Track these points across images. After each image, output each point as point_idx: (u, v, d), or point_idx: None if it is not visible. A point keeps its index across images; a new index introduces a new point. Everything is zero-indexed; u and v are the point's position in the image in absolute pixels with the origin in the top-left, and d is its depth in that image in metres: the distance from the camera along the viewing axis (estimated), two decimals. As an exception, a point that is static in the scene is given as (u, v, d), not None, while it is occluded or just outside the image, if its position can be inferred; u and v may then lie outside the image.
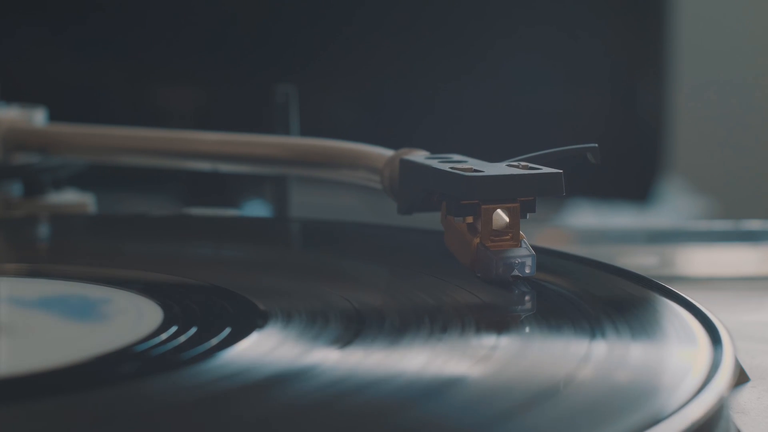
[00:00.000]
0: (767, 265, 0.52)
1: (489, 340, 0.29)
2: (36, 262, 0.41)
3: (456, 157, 0.37)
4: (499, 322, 0.32)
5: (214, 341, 0.29)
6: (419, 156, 0.38)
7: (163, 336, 0.29)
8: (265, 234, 0.47)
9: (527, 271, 0.34)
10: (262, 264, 0.40)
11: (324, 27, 0.89)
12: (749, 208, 0.97)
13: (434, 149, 0.39)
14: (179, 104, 0.90)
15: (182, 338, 0.29)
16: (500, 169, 0.35)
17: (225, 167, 0.48)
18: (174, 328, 0.30)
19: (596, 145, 0.37)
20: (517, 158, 0.36)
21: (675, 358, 0.28)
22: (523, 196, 0.34)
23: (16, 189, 0.52)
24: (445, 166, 0.35)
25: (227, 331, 0.30)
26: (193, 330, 0.30)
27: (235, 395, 0.26)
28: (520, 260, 0.34)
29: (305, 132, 0.49)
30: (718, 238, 0.54)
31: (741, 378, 0.33)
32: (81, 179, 0.54)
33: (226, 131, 0.48)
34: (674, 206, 0.91)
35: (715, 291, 0.48)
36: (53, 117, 0.53)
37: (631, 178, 0.91)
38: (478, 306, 0.33)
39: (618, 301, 0.33)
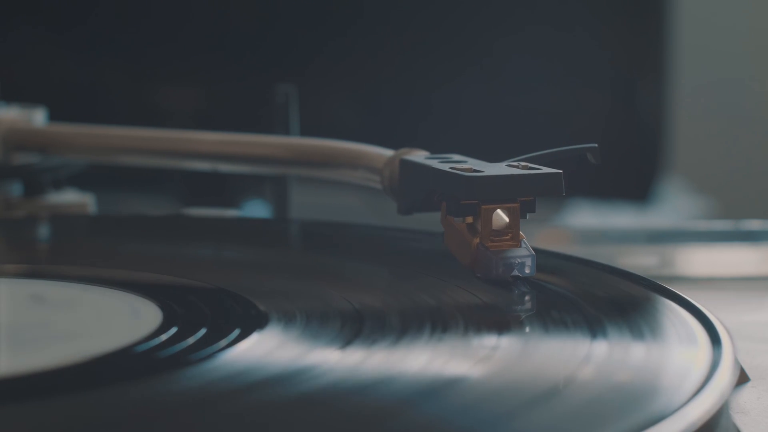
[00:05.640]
0: (767, 265, 0.52)
1: (489, 341, 0.29)
2: (36, 262, 0.41)
3: (456, 157, 0.37)
4: (499, 322, 0.32)
5: (214, 342, 0.29)
6: (419, 156, 0.38)
7: (163, 337, 0.29)
8: (265, 235, 0.47)
9: (527, 271, 0.34)
10: (262, 265, 0.40)
11: (324, 27, 0.89)
12: (749, 208, 0.97)
13: (434, 149, 0.39)
14: (179, 104, 0.90)
15: (182, 339, 0.29)
16: (500, 169, 0.35)
17: (225, 167, 0.48)
18: (173, 329, 0.30)
19: (596, 145, 0.37)
20: (517, 158, 0.36)
21: (675, 358, 0.28)
22: (523, 196, 0.34)
23: (16, 189, 0.52)
24: (445, 166, 0.35)
25: (228, 332, 0.30)
26: (192, 331, 0.30)
27: (235, 396, 0.26)
28: (519, 260, 0.34)
29: (305, 132, 0.49)
30: (718, 238, 0.54)
31: (741, 378, 0.33)
32: (81, 179, 0.54)
33: (226, 131, 0.48)
34: (674, 206, 0.91)
35: (715, 291, 0.48)
36: (53, 117, 0.53)
37: (631, 178, 0.91)
38: (479, 306, 0.33)
39: (618, 301, 0.33)
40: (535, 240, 0.36)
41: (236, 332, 0.29)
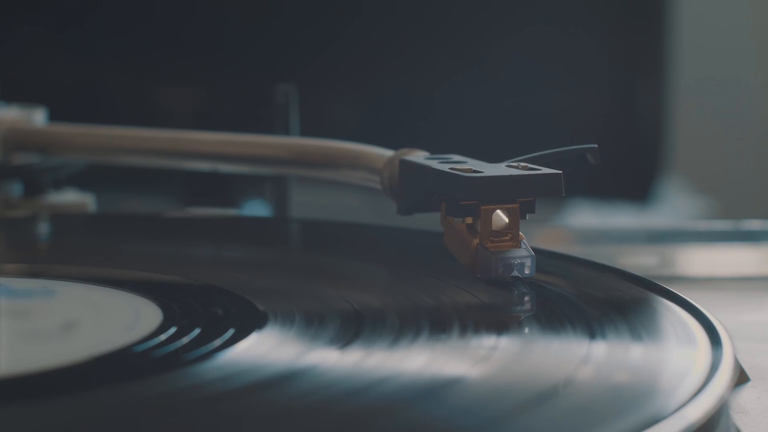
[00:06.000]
0: (767, 265, 0.52)
1: (488, 341, 0.29)
2: (36, 262, 0.41)
3: (456, 157, 0.37)
4: (498, 322, 0.32)
5: (214, 342, 0.29)
6: (419, 156, 0.38)
7: (162, 337, 0.29)
8: (265, 234, 0.47)
9: (526, 271, 0.34)
10: (262, 264, 0.40)
11: (324, 27, 0.89)
12: (749, 208, 0.97)
13: (434, 149, 0.39)
14: (179, 104, 0.90)
15: (181, 339, 0.29)
16: (500, 169, 0.35)
17: (225, 167, 0.48)
18: (173, 329, 0.30)
19: (596, 145, 0.37)
20: (517, 159, 0.36)
21: (675, 358, 0.28)
22: (523, 196, 0.34)
23: (16, 189, 0.52)
24: (445, 167, 0.35)
25: (227, 331, 0.30)
26: (192, 331, 0.30)
27: (234, 396, 0.26)
28: (519, 261, 0.34)
29: (305, 132, 0.49)
30: (718, 238, 0.54)
31: (741, 378, 0.33)
32: (81, 179, 0.54)
33: (226, 131, 0.48)
34: (674, 206, 0.91)
35: (715, 291, 0.48)
36: (53, 117, 0.53)
37: (631, 178, 0.90)
38: (478, 307, 0.33)
39: (617, 301, 0.33)
40: (535, 240, 0.36)
41: (235, 332, 0.29)
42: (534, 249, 0.34)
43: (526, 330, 0.30)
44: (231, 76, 0.89)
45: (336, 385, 0.26)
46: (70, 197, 0.53)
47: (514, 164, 0.35)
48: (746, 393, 0.32)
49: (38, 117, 0.52)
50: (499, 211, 0.34)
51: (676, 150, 0.95)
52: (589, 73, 0.89)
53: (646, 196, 0.90)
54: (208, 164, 0.48)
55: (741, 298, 0.47)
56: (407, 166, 0.38)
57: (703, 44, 1.01)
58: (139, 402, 0.25)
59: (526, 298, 0.34)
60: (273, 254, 0.43)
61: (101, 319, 0.32)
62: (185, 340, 0.29)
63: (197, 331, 0.30)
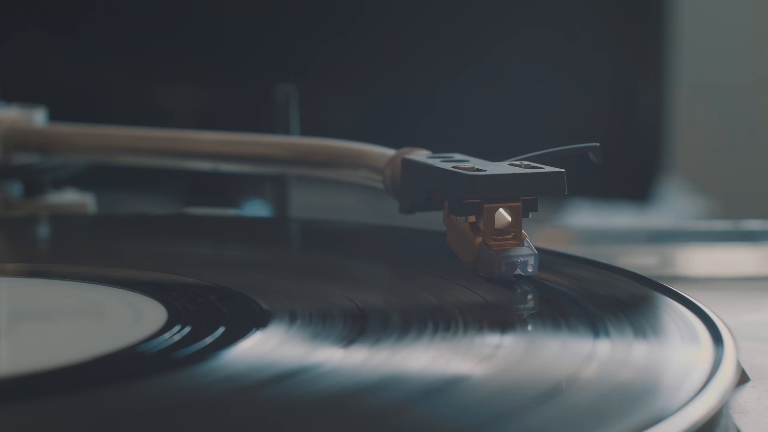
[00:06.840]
0: (767, 265, 0.52)
1: (492, 340, 0.29)
2: (36, 262, 0.41)
3: (458, 156, 0.37)
4: (502, 321, 0.32)
5: (217, 341, 0.29)
6: (421, 155, 0.38)
7: (165, 336, 0.29)
8: (265, 234, 0.47)
9: (529, 270, 0.34)
10: (264, 264, 0.40)
11: (324, 27, 0.89)
12: (749, 208, 0.97)
13: (435, 149, 0.39)
14: (179, 104, 0.90)
15: (184, 338, 0.29)
16: (502, 168, 0.35)
17: (226, 167, 0.48)
18: (176, 328, 0.30)
19: (598, 144, 0.37)
20: (519, 157, 0.36)
21: (677, 357, 0.28)
22: (526, 195, 0.34)
23: (16, 189, 0.52)
24: (448, 165, 0.35)
25: (229, 330, 0.30)
26: (194, 330, 0.30)
27: (237, 395, 0.25)
28: (522, 259, 0.34)
29: (305, 132, 0.49)
30: (718, 238, 0.54)
31: (741, 378, 0.33)
32: (81, 179, 0.54)
33: (226, 131, 0.48)
34: (674, 206, 0.91)
35: (715, 291, 0.48)
36: (53, 117, 0.53)
37: (631, 178, 0.90)
38: (481, 305, 0.33)
39: (620, 300, 0.33)
40: (536, 240, 0.36)
41: (238, 331, 0.29)
42: (536, 248, 0.34)
43: (530, 328, 0.30)
44: (231, 76, 0.89)
45: (340, 384, 0.26)
46: (70, 197, 0.53)
47: (517, 163, 0.35)
48: (746, 393, 0.32)
49: (38, 117, 0.52)
50: (501, 210, 0.34)
51: (676, 150, 0.95)
52: (589, 74, 0.89)
53: (646, 196, 0.90)
54: (209, 164, 0.48)
55: (741, 298, 0.47)
56: (409, 165, 0.38)
57: (703, 45, 1.01)
58: (141, 402, 0.25)
59: (530, 297, 0.33)
60: (274, 253, 0.43)
61: (103, 318, 0.32)
62: (193, 339, 0.29)
63: (200, 330, 0.30)
